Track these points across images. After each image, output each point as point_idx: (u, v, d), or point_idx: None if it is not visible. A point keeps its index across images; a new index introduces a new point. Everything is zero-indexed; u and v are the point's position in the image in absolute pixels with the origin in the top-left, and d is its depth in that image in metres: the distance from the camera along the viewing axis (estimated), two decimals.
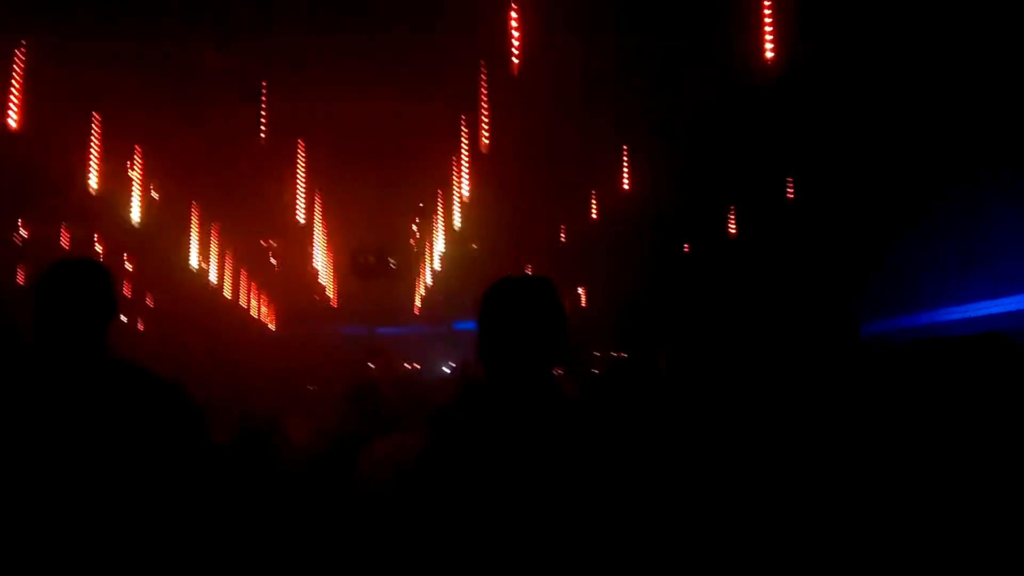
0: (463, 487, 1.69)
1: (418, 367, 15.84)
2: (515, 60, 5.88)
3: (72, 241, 8.56)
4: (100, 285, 2.25)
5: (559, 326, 1.82)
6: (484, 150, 7.03)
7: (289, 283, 12.63)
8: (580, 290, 12.52)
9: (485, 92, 6.93)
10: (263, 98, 6.18)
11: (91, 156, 6.73)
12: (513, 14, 5.99)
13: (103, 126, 6.84)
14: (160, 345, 11.22)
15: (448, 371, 15.97)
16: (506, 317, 1.82)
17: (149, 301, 12.52)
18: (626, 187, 8.45)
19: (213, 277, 10.85)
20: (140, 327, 12.67)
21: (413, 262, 11.93)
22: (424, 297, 13.59)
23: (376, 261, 11.53)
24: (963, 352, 1.93)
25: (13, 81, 5.53)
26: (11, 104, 5.47)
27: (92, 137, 6.75)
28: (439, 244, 10.38)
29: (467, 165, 7.93)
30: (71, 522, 2.00)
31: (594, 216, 9.46)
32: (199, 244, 9.62)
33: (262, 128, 6.18)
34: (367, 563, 3.69)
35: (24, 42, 5.50)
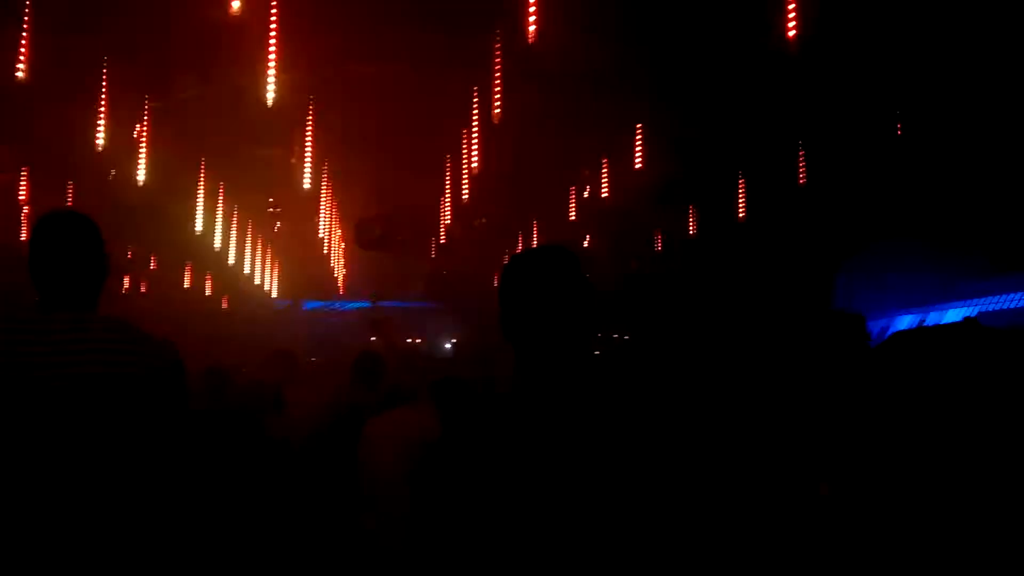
0: (483, 482, 1.58)
1: (419, 341, 15.80)
2: (531, 26, 5.77)
3: (76, 200, 8.47)
4: (95, 241, 2.20)
5: (589, 300, 1.71)
6: (496, 120, 6.93)
7: (294, 253, 12.56)
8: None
9: (499, 60, 6.82)
10: (271, 57, 6.05)
11: (99, 112, 6.63)
12: None
13: (109, 82, 6.73)
14: (160, 310, 11.20)
15: (450, 347, 15.93)
16: (534, 290, 1.70)
17: (153, 264, 12.46)
18: (638, 164, 8.34)
19: (218, 243, 10.77)
20: (143, 289, 12.63)
21: (419, 235, 11.84)
22: (428, 271, 13.52)
23: (381, 232, 11.42)
24: (945, 339, 1.92)
25: (22, 33, 5.42)
26: (20, 56, 5.36)
27: (100, 93, 6.64)
28: (446, 217, 10.29)
29: (477, 136, 7.82)
30: (59, 483, 1.94)
31: (604, 194, 9.36)
32: (204, 208, 9.53)
33: (269, 89, 6.06)
34: (372, 538, 3.63)
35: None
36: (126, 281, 12.40)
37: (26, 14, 5.44)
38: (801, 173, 8.82)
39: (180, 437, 2.17)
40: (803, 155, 8.76)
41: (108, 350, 2.05)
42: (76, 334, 2.04)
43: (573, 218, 10.10)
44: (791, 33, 6.09)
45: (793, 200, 9.10)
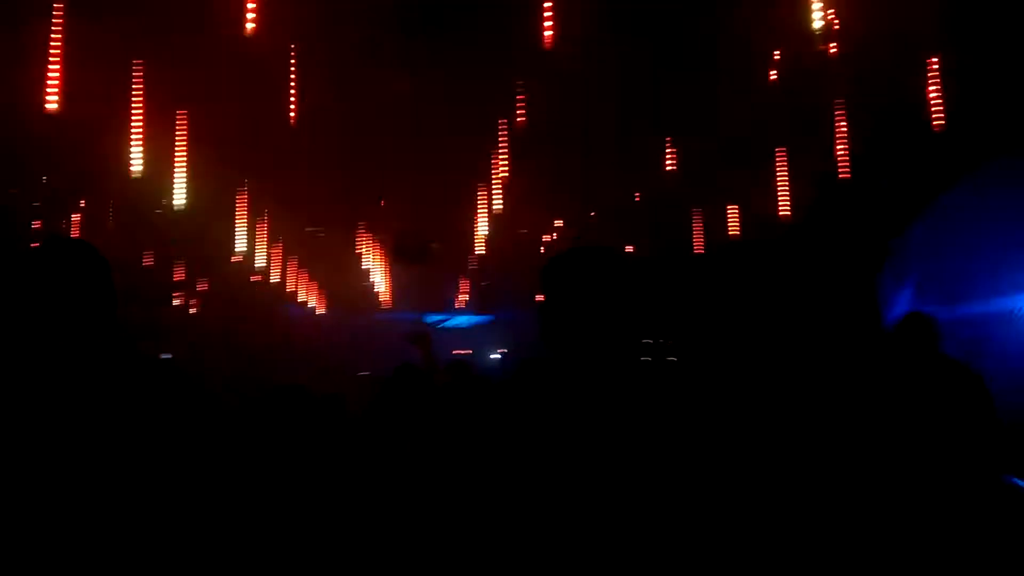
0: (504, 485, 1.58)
1: (469, 353, 15.82)
2: (548, 32, 5.75)
3: (116, 226, 8.74)
4: (95, 269, 2.10)
5: (628, 302, 1.66)
6: (519, 127, 6.93)
7: (335, 268, 12.73)
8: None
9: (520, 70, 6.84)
10: (293, 71, 6.14)
11: (134, 138, 6.83)
12: None
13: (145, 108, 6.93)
14: (214, 332, 11.47)
15: (498, 358, 15.92)
16: (572, 291, 1.66)
17: (201, 286, 12.77)
18: (670, 167, 8.23)
19: (261, 262, 10.98)
20: (193, 310, 12.94)
21: (456, 246, 11.88)
22: (471, 283, 13.55)
23: (418, 245, 11.49)
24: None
25: (51, 64, 5.61)
26: (50, 85, 5.45)
27: (134, 119, 6.84)
28: (482, 227, 10.30)
29: (505, 145, 7.84)
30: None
31: (636, 199, 9.26)
32: (246, 229, 9.74)
33: (292, 106, 6.16)
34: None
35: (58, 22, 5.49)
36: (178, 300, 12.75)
37: (57, 44, 5.62)
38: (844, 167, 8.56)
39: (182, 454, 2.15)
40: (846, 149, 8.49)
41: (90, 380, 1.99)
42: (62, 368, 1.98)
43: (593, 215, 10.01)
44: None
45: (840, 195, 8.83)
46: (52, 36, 5.64)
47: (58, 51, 5.73)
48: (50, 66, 5.62)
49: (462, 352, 15.83)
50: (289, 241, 11.57)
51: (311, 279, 13.13)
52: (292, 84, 6.11)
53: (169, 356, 8.81)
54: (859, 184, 8.48)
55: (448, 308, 15.22)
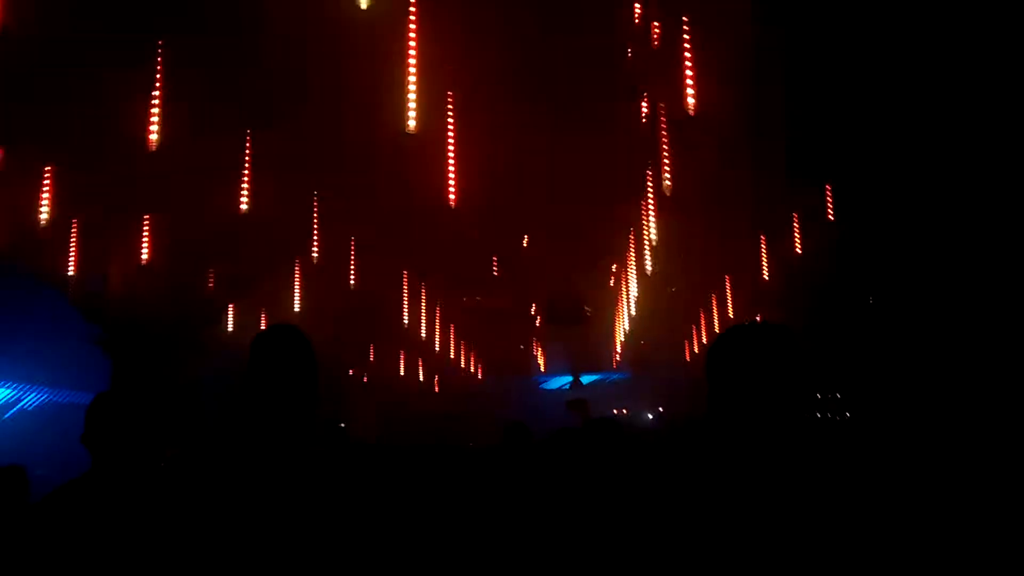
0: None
1: (625, 412, 15.72)
2: (691, 100, 5.85)
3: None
4: (307, 353, 2.36)
5: (792, 379, 1.68)
6: (667, 192, 6.99)
7: (491, 334, 13.10)
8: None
9: (665, 135, 6.93)
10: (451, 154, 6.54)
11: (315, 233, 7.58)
12: (687, 55, 6.00)
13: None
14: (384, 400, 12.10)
15: (652, 417, 15.70)
16: (737, 370, 1.70)
17: (371, 357, 13.51)
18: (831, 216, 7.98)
19: (423, 333, 11.54)
20: (364, 380, 13.72)
21: (608, 308, 11.94)
22: (625, 343, 13.52)
23: (571, 309, 11.65)
24: None
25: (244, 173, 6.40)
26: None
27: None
28: (633, 289, 10.32)
29: (653, 209, 7.91)
30: None
31: (798, 250, 8.96)
32: (408, 304, 10.32)
33: (452, 188, 6.55)
34: None
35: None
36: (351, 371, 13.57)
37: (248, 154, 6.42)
38: None
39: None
40: None
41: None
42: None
43: (766, 278, 9.75)
44: None
45: None
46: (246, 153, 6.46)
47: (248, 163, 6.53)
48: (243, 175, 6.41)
49: (620, 412, 15.78)
50: (450, 313, 12.06)
51: (472, 348, 13.56)
52: (451, 167, 6.49)
53: (343, 425, 9.44)
54: None
55: (602, 368, 15.26)
